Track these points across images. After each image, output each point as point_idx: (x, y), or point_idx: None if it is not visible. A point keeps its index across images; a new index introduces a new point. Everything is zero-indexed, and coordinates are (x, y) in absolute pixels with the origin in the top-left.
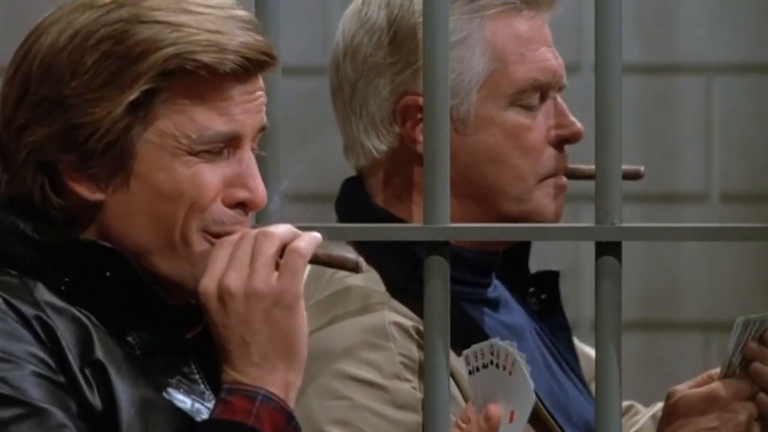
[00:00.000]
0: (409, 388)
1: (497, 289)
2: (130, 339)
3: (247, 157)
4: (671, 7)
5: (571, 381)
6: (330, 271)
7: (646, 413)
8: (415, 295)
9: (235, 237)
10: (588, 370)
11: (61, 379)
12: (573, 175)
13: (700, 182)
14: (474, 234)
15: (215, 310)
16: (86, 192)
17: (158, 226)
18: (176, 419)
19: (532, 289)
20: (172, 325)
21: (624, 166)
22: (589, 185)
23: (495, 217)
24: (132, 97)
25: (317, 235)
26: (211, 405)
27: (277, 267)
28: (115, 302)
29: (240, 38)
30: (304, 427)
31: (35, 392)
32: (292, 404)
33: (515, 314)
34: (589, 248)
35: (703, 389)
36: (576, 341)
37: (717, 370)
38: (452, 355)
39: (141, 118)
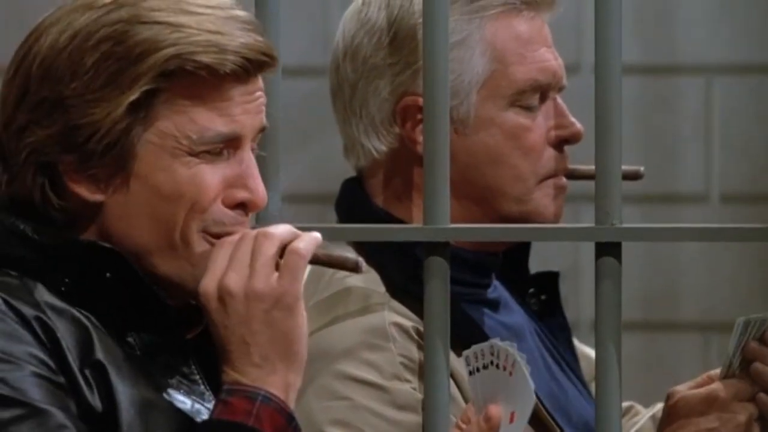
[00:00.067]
0: (409, 388)
1: (497, 289)
2: (130, 339)
3: (247, 157)
4: (671, 8)
5: (570, 381)
6: (330, 271)
7: (646, 414)
8: (415, 296)
9: (235, 237)
10: (588, 370)
11: (61, 379)
12: (573, 175)
13: (700, 183)
14: (474, 234)
15: (215, 310)
16: (86, 193)
17: (158, 226)
18: (176, 420)
19: (531, 290)
20: (172, 326)
21: (624, 167)
22: (589, 185)
23: (495, 218)
24: (132, 97)
25: (317, 235)
26: (211, 405)
27: (277, 267)
28: (115, 303)
29: (240, 39)
30: (304, 427)
31: (35, 393)
32: (292, 405)
33: (515, 315)
34: (589, 249)
35: (702, 390)
36: (576, 342)
37: (717, 371)
38: (452, 355)
39: (141, 119)
